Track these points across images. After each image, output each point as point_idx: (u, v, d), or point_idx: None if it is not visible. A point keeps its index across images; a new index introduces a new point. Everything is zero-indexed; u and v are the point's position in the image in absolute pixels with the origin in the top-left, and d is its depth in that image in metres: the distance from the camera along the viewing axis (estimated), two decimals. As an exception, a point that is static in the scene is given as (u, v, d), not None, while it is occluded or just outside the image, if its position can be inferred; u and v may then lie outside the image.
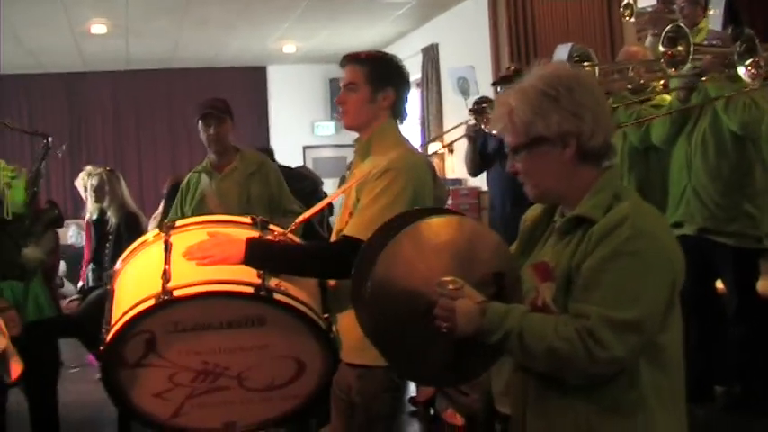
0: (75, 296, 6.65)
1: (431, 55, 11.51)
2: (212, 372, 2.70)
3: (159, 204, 8.41)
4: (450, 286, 2.09)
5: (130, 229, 6.27)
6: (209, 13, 10.45)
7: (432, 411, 4.94)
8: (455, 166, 10.23)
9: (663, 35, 4.24)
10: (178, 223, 2.85)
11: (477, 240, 2.18)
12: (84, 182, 6.90)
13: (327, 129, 15.08)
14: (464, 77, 5.51)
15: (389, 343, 2.19)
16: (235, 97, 14.52)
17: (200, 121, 4.96)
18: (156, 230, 2.83)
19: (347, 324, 2.89)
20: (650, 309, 2.01)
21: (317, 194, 6.43)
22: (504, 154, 5.54)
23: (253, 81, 14.79)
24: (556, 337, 1.99)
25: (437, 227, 2.16)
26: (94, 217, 6.87)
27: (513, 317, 2.05)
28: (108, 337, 2.62)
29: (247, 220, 2.91)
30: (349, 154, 14.93)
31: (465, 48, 10.11)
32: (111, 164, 10.97)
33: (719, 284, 4.85)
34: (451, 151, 7.66)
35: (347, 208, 3.13)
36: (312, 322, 2.69)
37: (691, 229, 4.68)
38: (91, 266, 6.93)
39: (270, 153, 7.16)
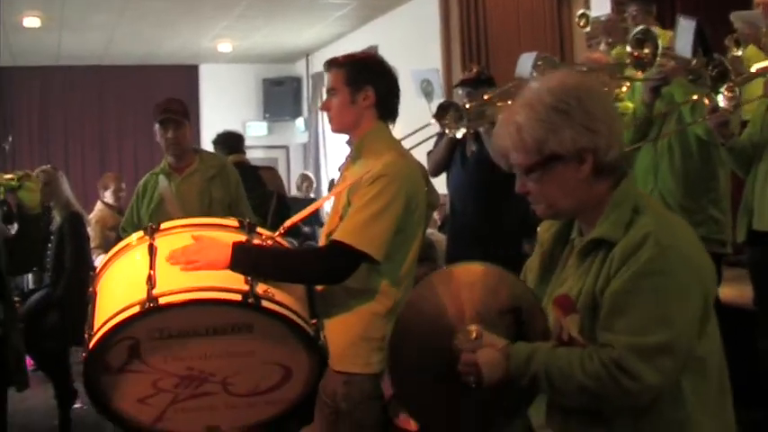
0: (15, 299, 6.40)
1: (370, 57, 11.46)
2: (197, 378, 2.63)
3: (92, 205, 8.21)
4: (472, 336, 2.04)
5: (74, 230, 6.07)
6: (151, 7, 10.26)
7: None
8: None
9: (631, 36, 4.27)
10: (163, 226, 2.75)
11: (486, 281, 2.12)
12: None
13: (260, 129, 14.97)
14: (428, 80, 5.43)
15: (415, 396, 2.16)
16: (166, 96, 14.36)
17: (157, 124, 4.85)
18: (141, 233, 2.73)
19: (334, 330, 2.88)
20: (681, 328, 1.92)
21: (265, 208, 6.28)
22: (464, 158, 5.54)
23: (184, 80, 14.59)
24: (583, 375, 1.92)
25: (450, 275, 2.14)
26: (37, 216, 6.61)
27: (538, 359, 1.98)
28: (91, 344, 2.53)
29: (234, 222, 2.84)
30: (281, 155, 15.03)
31: (406, 50, 10.11)
32: (37, 162, 10.68)
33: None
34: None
35: (337, 211, 3.09)
36: (300, 329, 2.62)
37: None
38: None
39: (239, 139, 7.02)
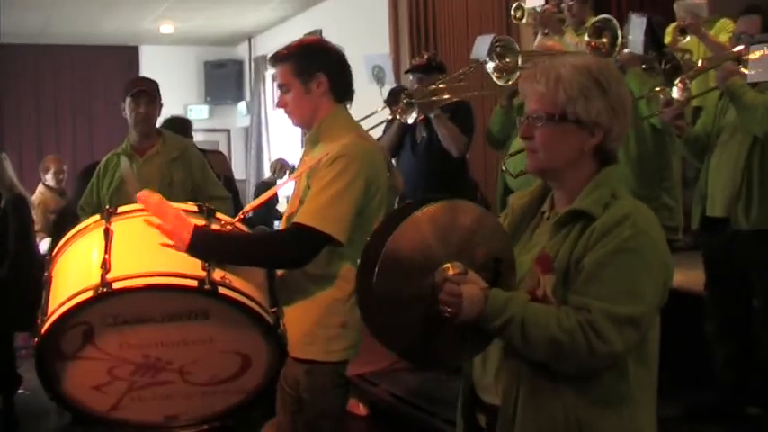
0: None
1: (314, 41, 11.40)
2: (153, 365, 2.58)
3: (30, 188, 8.06)
4: (451, 271, 2.08)
5: (18, 213, 5.94)
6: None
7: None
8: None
9: (590, 24, 4.32)
10: (120, 210, 2.72)
11: (477, 224, 2.14)
12: None
13: (201, 112, 14.81)
14: (380, 65, 5.45)
15: (391, 328, 2.16)
16: (106, 77, 14.32)
17: (128, 99, 4.79)
18: (97, 216, 2.70)
19: (294, 317, 2.84)
20: (648, 305, 2.05)
21: None
22: (414, 143, 5.55)
23: (125, 61, 14.27)
24: (558, 328, 2.00)
25: (439, 212, 2.12)
26: (-23, 199, 6.47)
27: (516, 304, 2.05)
28: (44, 329, 2.48)
29: (193, 207, 2.80)
30: (222, 139, 14.90)
31: (351, 34, 10.09)
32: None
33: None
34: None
35: (297, 195, 3.06)
36: (258, 317, 2.59)
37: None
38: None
39: (186, 124, 6.94)
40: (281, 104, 3.12)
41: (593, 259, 2.05)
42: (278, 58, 3.09)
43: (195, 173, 4.92)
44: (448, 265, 2.08)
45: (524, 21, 6.47)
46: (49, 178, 8.05)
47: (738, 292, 4.41)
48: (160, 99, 4.91)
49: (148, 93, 4.79)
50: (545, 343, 2.02)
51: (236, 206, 6.36)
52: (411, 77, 5.69)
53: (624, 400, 2.11)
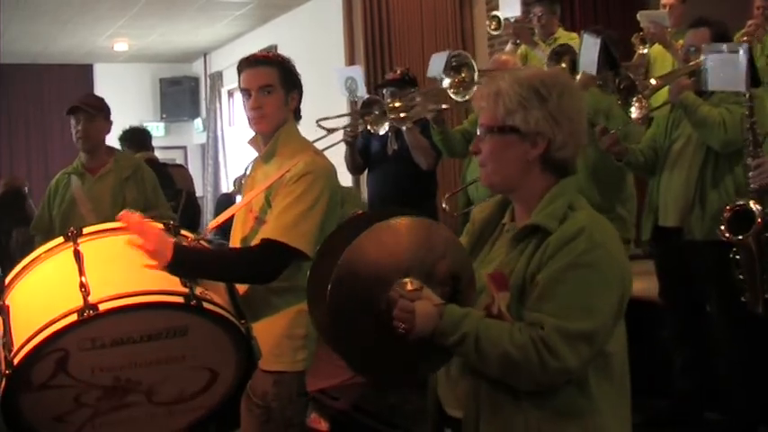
0: None
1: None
2: (122, 388, 2.51)
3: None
4: (410, 287, 2.08)
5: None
6: (45, 4, 10.02)
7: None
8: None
9: (549, 53, 4.36)
10: (86, 230, 2.65)
11: (435, 241, 2.14)
12: None
13: (157, 129, 14.72)
14: (352, 77, 5.51)
15: (344, 340, 2.15)
16: (60, 96, 14.19)
17: (71, 119, 4.76)
18: (60, 239, 2.62)
19: (262, 330, 2.85)
20: (602, 321, 2.05)
21: (174, 206, 6.22)
22: (386, 156, 5.59)
23: (79, 79, 14.24)
24: (510, 344, 2.01)
25: (397, 227, 2.12)
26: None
27: (470, 321, 2.06)
28: (17, 360, 2.35)
29: (159, 225, 2.78)
30: (179, 156, 14.82)
31: (305, 49, 10.11)
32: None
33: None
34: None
35: (252, 211, 3.12)
36: (237, 330, 2.59)
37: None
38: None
39: (145, 135, 6.92)
40: (258, 105, 3.12)
41: (548, 275, 2.05)
42: (266, 61, 3.17)
43: (148, 192, 4.91)
44: (405, 280, 2.09)
45: (499, 31, 6.54)
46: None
47: (692, 300, 4.48)
48: (105, 116, 4.85)
49: (84, 109, 4.74)
50: (498, 359, 2.03)
51: (197, 224, 6.34)
52: (385, 91, 5.73)
53: (587, 414, 2.11)
